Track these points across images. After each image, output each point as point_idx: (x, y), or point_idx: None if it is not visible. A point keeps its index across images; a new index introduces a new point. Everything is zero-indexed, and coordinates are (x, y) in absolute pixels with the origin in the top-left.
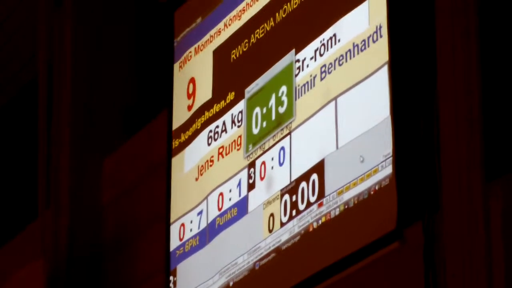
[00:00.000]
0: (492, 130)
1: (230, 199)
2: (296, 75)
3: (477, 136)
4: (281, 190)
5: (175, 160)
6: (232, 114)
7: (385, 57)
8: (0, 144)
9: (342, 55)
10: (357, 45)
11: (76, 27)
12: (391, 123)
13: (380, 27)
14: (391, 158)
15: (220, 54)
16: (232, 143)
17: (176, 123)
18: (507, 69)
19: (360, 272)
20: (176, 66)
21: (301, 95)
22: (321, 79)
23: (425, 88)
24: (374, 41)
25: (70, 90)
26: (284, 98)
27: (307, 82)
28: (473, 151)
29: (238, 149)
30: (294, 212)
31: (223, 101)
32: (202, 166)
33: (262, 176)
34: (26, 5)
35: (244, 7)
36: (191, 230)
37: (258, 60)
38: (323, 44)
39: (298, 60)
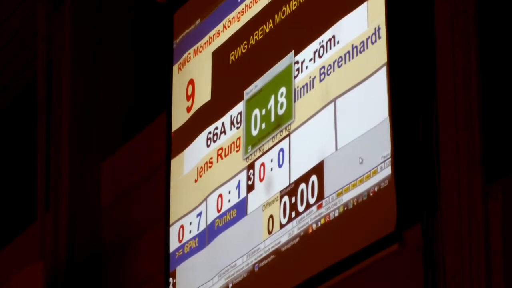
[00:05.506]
0: (492, 131)
1: (229, 201)
2: (295, 77)
3: (476, 137)
4: (281, 192)
5: (174, 162)
6: (231, 116)
7: (384, 58)
8: None
9: (341, 57)
10: (356, 47)
11: (76, 28)
12: (390, 125)
13: (379, 28)
14: (390, 160)
15: (219, 56)
16: (231, 144)
17: (175, 124)
18: (507, 70)
19: (360, 274)
20: (175, 67)
21: (300, 97)
22: (320, 80)
23: (424, 89)
24: (372, 43)
25: (70, 92)
26: (283, 100)
27: (306, 84)
28: (473, 153)
29: (237, 151)
30: (293, 214)
31: (222, 103)
32: (201, 167)
33: (261, 177)
34: (26, 6)
35: (243, 9)
36: (190, 231)
37: (257, 61)
38: (322, 46)
39: (297, 62)
